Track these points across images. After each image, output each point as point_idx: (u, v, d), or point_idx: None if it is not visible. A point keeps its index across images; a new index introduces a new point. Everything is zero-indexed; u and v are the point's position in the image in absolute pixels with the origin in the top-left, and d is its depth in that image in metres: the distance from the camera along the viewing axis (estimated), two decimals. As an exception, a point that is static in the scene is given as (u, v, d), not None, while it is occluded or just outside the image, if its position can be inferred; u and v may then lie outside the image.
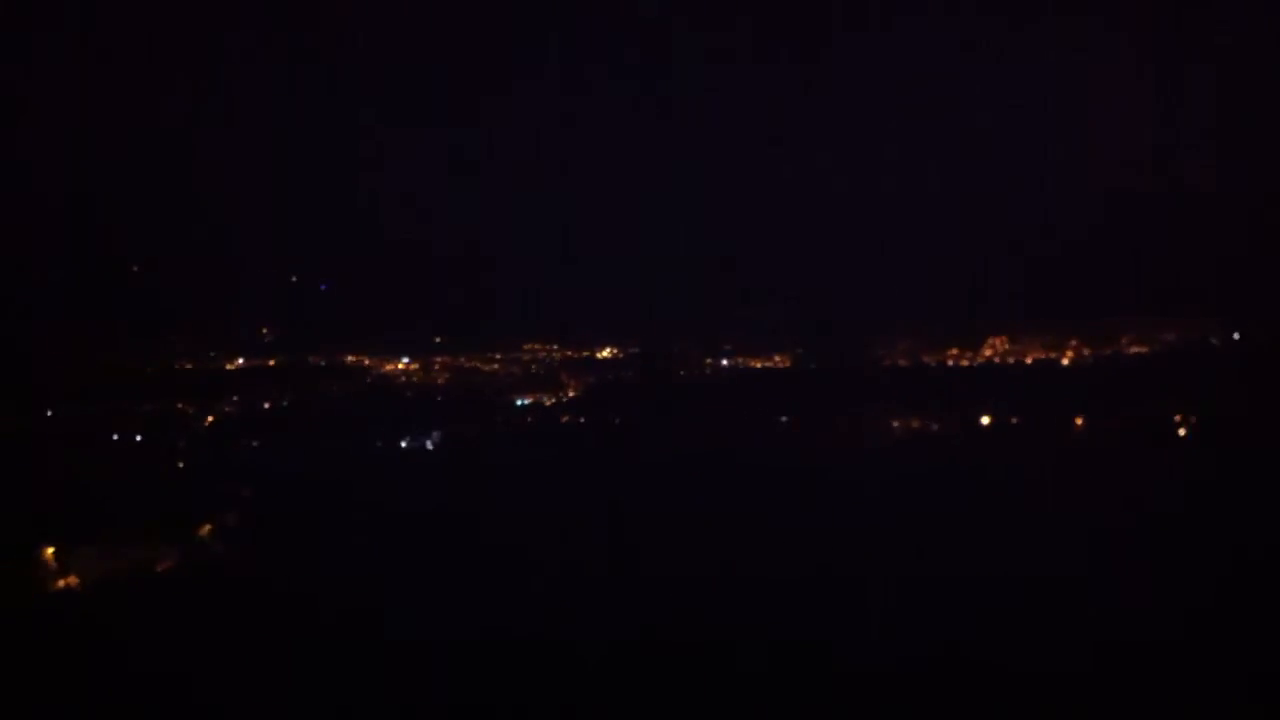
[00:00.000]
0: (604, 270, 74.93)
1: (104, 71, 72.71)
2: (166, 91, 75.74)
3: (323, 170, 78.04)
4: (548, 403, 70.45)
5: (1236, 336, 69.97)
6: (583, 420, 68.46)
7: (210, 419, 65.86)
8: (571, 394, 71.11)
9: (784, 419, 66.55)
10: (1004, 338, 72.01)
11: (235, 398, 67.75)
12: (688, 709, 32.51)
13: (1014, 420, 64.82)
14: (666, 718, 32.39)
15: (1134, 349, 71.20)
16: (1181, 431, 61.88)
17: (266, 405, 68.30)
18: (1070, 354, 71.40)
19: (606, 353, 74.56)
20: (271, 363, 72.12)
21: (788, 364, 72.87)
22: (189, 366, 70.42)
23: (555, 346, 74.51)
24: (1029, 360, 71.49)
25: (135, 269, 70.71)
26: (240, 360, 72.06)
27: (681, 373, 72.26)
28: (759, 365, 73.10)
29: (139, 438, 61.70)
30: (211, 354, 71.36)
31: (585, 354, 74.54)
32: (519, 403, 70.34)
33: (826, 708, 32.25)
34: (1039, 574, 40.58)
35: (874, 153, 79.40)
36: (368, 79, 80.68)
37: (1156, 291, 69.67)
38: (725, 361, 73.40)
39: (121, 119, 73.72)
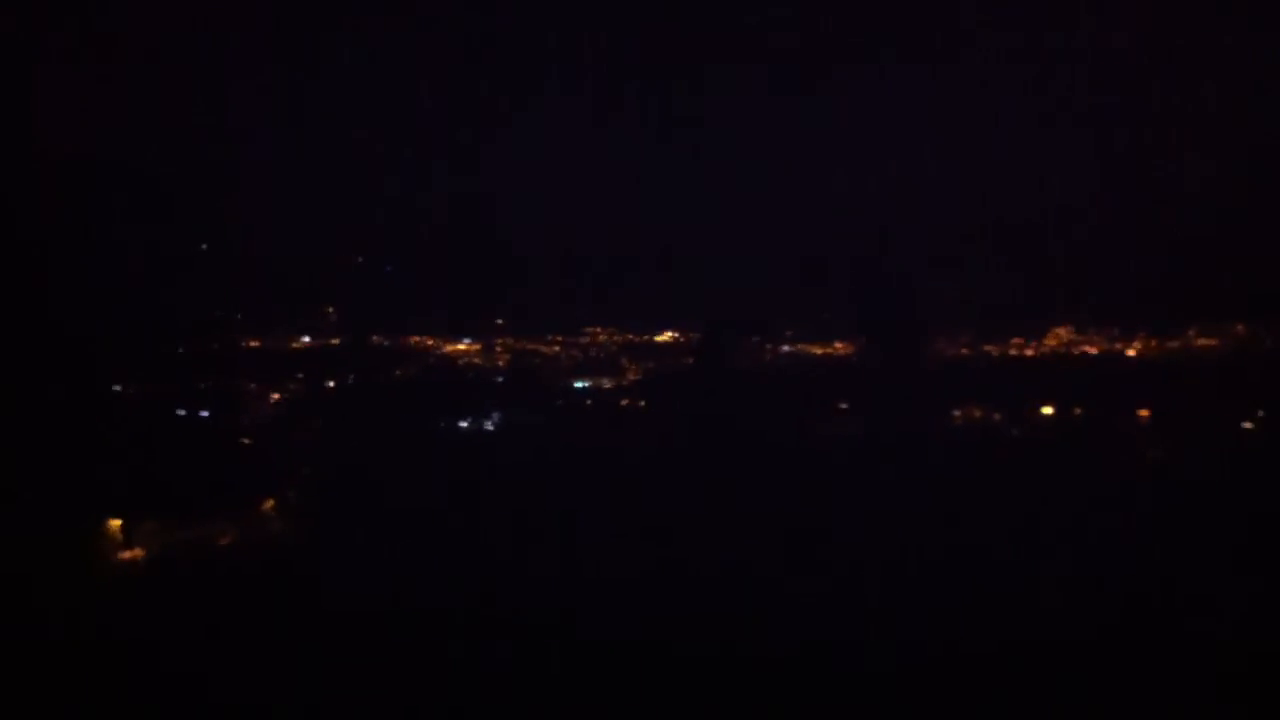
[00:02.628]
0: (666, 255, 74.60)
1: (171, 45, 73.24)
2: (238, 66, 76.21)
3: (391, 152, 78.28)
4: (607, 386, 70.60)
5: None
6: (642, 404, 68.72)
7: (276, 397, 66.61)
8: (631, 378, 71.20)
9: (844, 405, 66.46)
10: (1069, 327, 71.08)
11: (300, 376, 68.36)
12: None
13: (1077, 411, 64.22)
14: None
15: (1201, 342, 70.00)
16: (1248, 425, 61.02)
17: (331, 384, 68.90)
18: (1137, 346, 70.35)
19: (666, 337, 74.48)
20: (335, 342, 72.75)
21: (849, 351, 72.42)
22: (255, 345, 71.23)
23: (615, 330, 74.53)
24: (1094, 351, 70.53)
25: (204, 247, 71.53)
26: (305, 339, 72.75)
27: (742, 358, 72.04)
28: (820, 352, 72.74)
29: (205, 414, 62.53)
30: (277, 332, 72.13)
31: (645, 338, 74.49)
32: (578, 385, 70.57)
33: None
34: (1089, 569, 40.53)
35: (931, 144, 78.36)
36: (441, 67, 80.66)
37: (1226, 285, 68.29)
38: (786, 348, 73.09)
39: (190, 96, 74.41)
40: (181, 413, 61.79)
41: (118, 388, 61.50)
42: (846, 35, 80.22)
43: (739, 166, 78.50)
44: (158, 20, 72.43)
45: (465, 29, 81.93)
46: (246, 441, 61.99)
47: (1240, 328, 69.54)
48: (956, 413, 65.65)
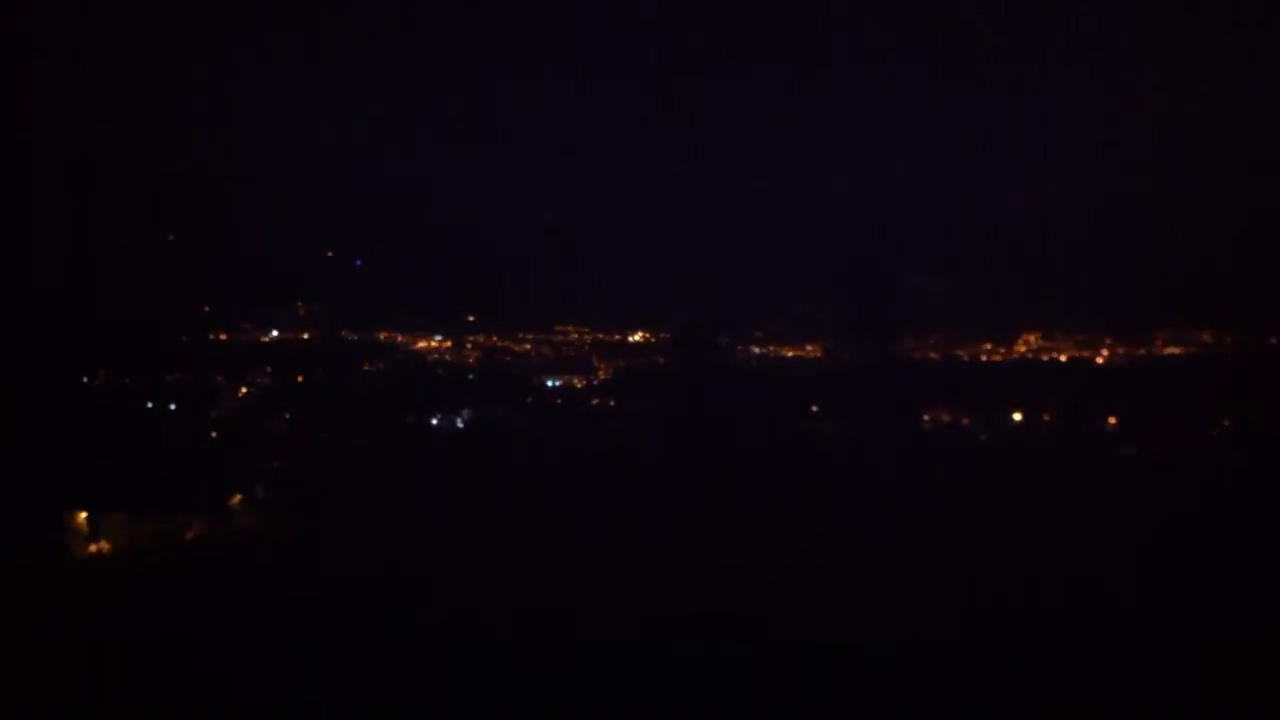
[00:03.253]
0: (638, 255, 74.66)
1: (133, 36, 72.62)
2: (202, 58, 75.77)
3: (361, 146, 77.96)
4: (578, 384, 70.56)
5: (1275, 341, 69.28)
6: (613, 403, 68.74)
7: (244, 391, 66.22)
8: (602, 376, 71.18)
9: (814, 408, 66.69)
10: (1038, 334, 71.55)
11: (269, 370, 67.97)
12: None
13: (1046, 417, 64.62)
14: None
15: (1169, 349, 70.61)
16: (1214, 433, 61.60)
17: (300, 379, 68.55)
18: (1105, 352, 70.88)
19: (638, 337, 74.51)
20: (305, 336, 72.38)
21: (819, 354, 72.66)
22: (223, 338, 70.80)
23: (587, 329, 74.49)
24: (1063, 358, 71.01)
25: (171, 238, 71.03)
26: (274, 333, 72.37)
27: (712, 358, 72.11)
28: (791, 354, 72.93)
29: (172, 407, 62.08)
30: (245, 326, 71.72)
31: (617, 337, 74.49)
32: (549, 383, 70.49)
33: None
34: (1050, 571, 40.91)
35: (903, 148, 78.71)
36: (409, 60, 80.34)
37: (1193, 293, 68.97)
38: (756, 349, 73.23)
39: (156, 88, 73.84)
40: (150, 405, 61.37)
41: (86, 379, 61.09)
42: (813, 35, 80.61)
43: (712, 167, 78.66)
44: (121, 11, 72.04)
45: (431, 23, 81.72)
46: (214, 435, 61.55)
47: (1206, 336, 70.26)
48: (926, 417, 65.91)
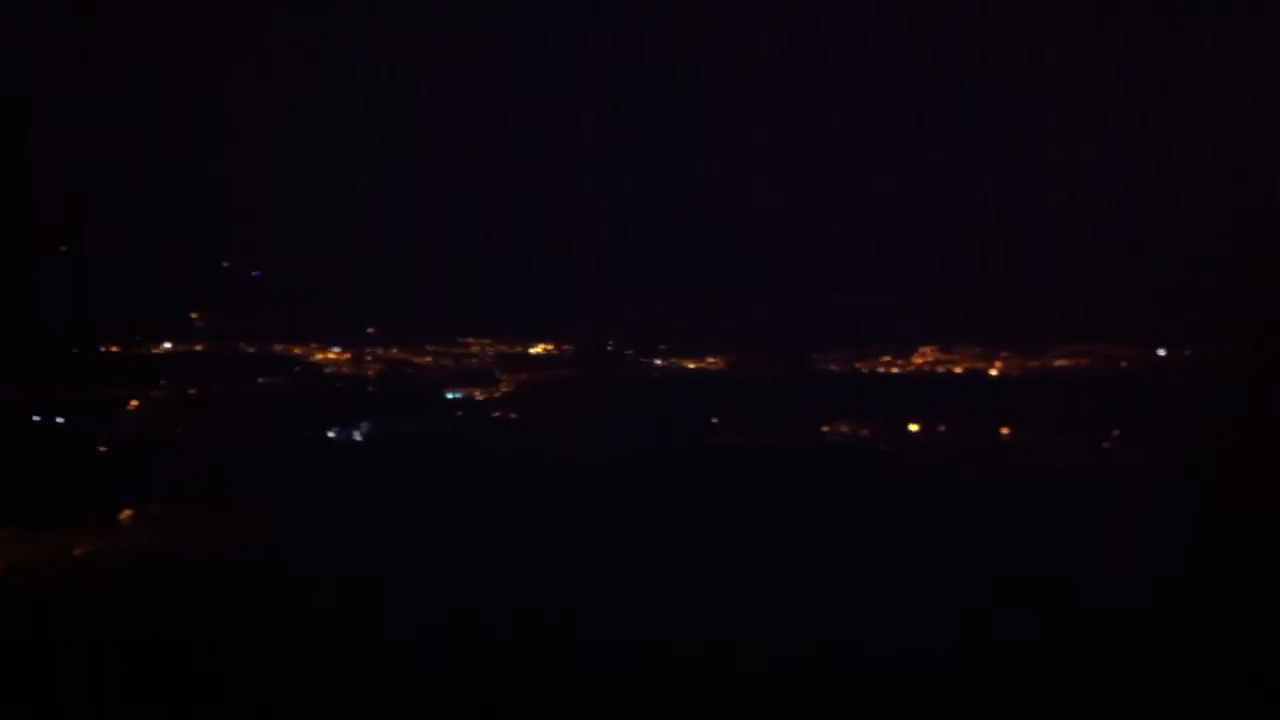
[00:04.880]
0: (542, 266, 74.61)
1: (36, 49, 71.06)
2: (97, 64, 74.23)
3: (260, 155, 76.91)
4: (479, 397, 70.14)
5: (1162, 353, 71.28)
6: (514, 416, 68.45)
7: (135, 403, 64.86)
8: (505, 390, 70.82)
9: (716, 420, 67.03)
10: (935, 347, 72.76)
11: (162, 382, 66.61)
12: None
13: (941, 428, 65.66)
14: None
15: (1060, 362, 72.22)
16: (1105, 445, 63.06)
17: (193, 391, 67.30)
18: (999, 365, 72.27)
19: (540, 349, 74.33)
20: (200, 348, 71.13)
21: (722, 366, 73.11)
22: (114, 350, 69.26)
23: (489, 341, 74.14)
24: (959, 370, 72.27)
25: (63, 249, 69.39)
26: (167, 345, 71.01)
27: (615, 371, 72.25)
28: (693, 366, 73.31)
29: (60, 420, 60.57)
30: (137, 338, 70.24)
31: (519, 350, 74.25)
32: (450, 396, 70.00)
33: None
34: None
35: (814, 161, 79.75)
36: (305, 68, 79.56)
37: (1088, 309, 70.81)
38: (659, 361, 73.47)
39: (51, 93, 72.21)
40: (37, 419, 59.86)
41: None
42: (722, 39, 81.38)
43: (620, 182, 78.99)
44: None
45: (346, 29, 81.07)
46: (104, 449, 60.13)
47: (1098, 349, 71.98)
48: (826, 428, 66.59)
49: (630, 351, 73.02)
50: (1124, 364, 71.20)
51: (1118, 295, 70.54)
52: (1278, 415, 58.17)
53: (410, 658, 34.98)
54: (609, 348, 72.82)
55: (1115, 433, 63.27)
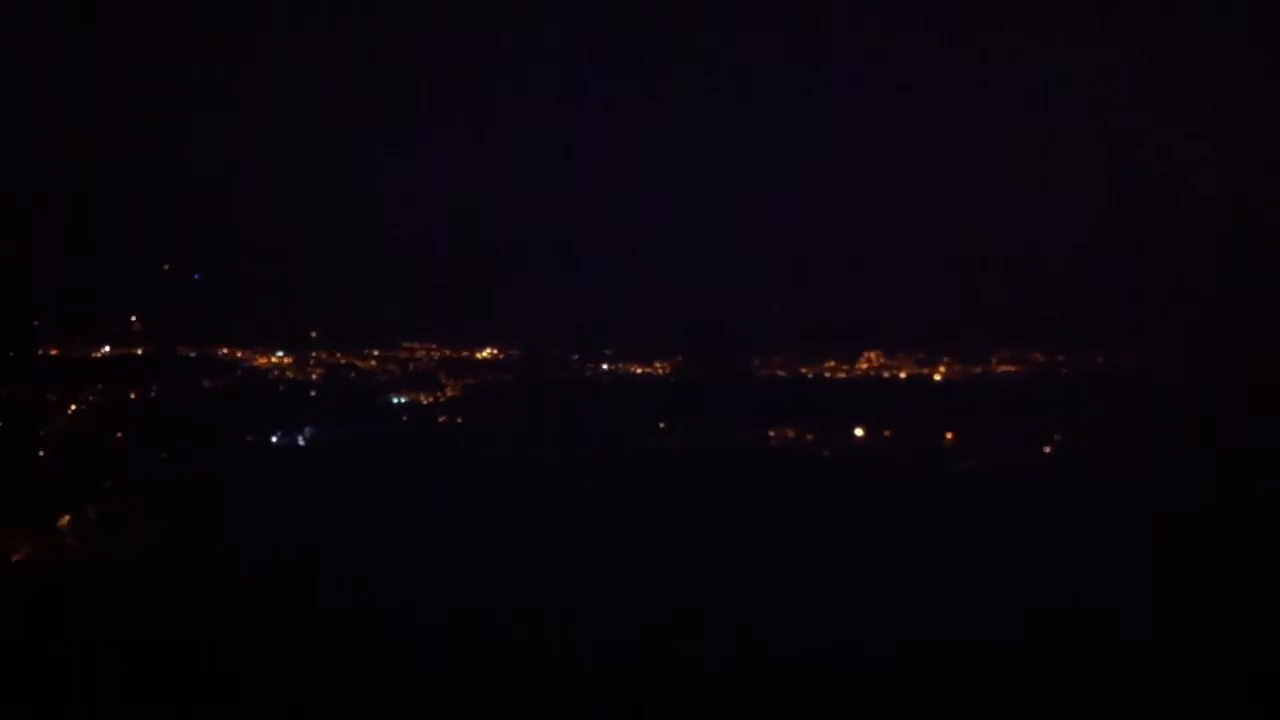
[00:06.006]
0: (488, 269, 74.39)
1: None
2: (35, 62, 73.23)
3: (199, 157, 76.12)
4: (425, 402, 69.75)
5: (1100, 359, 72.29)
6: (459, 420, 68.14)
7: (73, 407, 63.98)
8: (450, 394, 70.45)
9: (661, 425, 67.11)
10: (879, 352, 73.25)
11: (100, 386, 65.75)
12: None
13: (886, 433, 66.08)
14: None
15: (1002, 368, 72.96)
16: (1046, 449, 63.80)
17: (133, 395, 66.46)
18: (942, 370, 72.88)
19: (487, 353, 74.02)
20: (140, 352, 70.25)
21: (667, 371, 73.20)
22: (53, 353, 68.28)
23: (434, 345, 73.73)
24: (903, 375, 72.82)
25: (-1, 252, 68.31)
26: (107, 349, 70.10)
27: (561, 376, 72.11)
28: (639, 371, 73.31)
29: (-1, 424, 59.74)
30: (76, 340, 69.28)
31: (465, 354, 73.88)
32: (395, 401, 69.56)
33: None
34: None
35: (761, 163, 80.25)
36: (246, 69, 78.94)
37: (1031, 315, 71.71)
38: (605, 366, 73.40)
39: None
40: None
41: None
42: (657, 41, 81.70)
43: (564, 185, 78.99)
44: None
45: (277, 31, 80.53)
46: (42, 454, 59.23)
47: (1039, 355, 72.87)
48: (772, 433, 66.83)
49: (577, 356, 72.84)
50: (1064, 370, 72.05)
51: (1058, 302, 71.42)
52: (1213, 417, 59.22)
53: (349, 655, 35.00)
54: (555, 352, 72.63)
55: (1056, 436, 63.97)
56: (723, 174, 79.96)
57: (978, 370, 73.08)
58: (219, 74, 78.12)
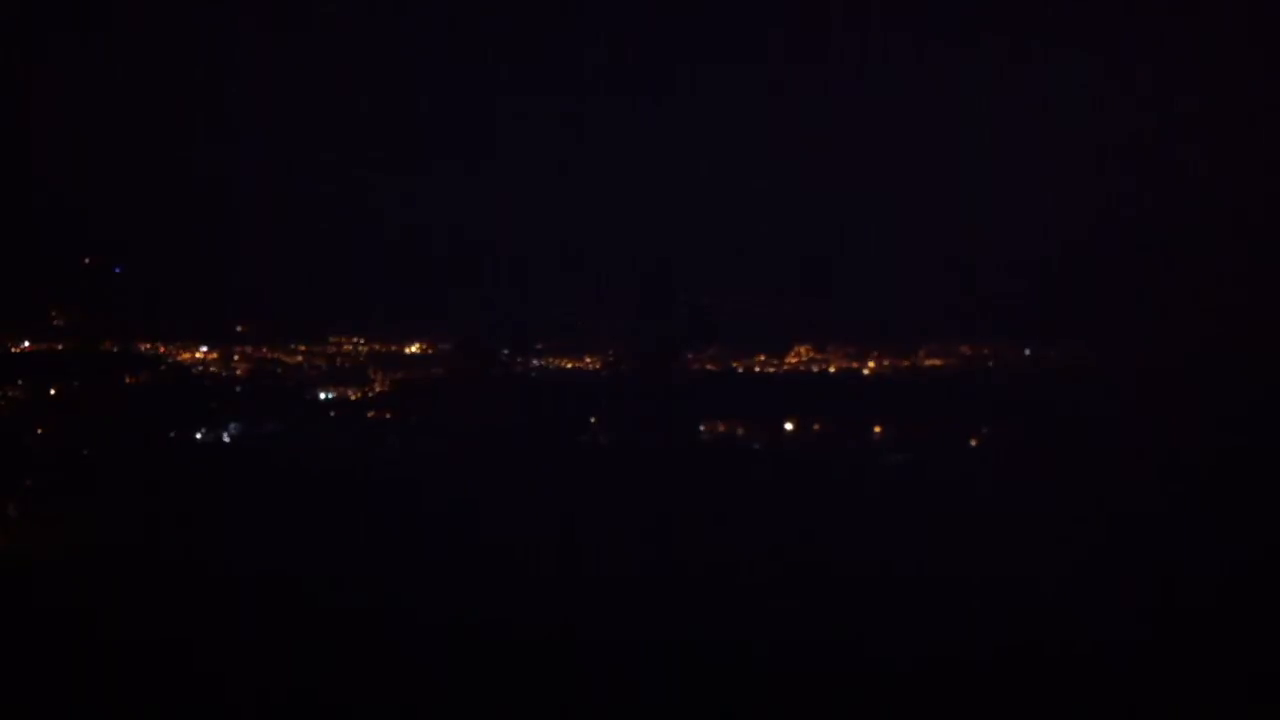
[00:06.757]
0: (415, 263, 73.88)
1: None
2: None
3: (123, 143, 74.83)
4: (353, 397, 69.23)
5: (1027, 353, 73.38)
6: (388, 416, 67.79)
7: (-9, 404, 63.16)
8: (379, 389, 69.95)
9: (593, 420, 67.24)
10: (809, 346, 73.80)
11: (20, 382, 64.70)
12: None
13: (816, 427, 66.74)
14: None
15: (930, 362, 73.85)
16: (973, 442, 64.80)
17: (53, 391, 65.44)
18: (871, 364, 73.62)
19: (415, 348, 73.51)
20: (60, 347, 69.10)
21: (599, 366, 73.24)
22: (-32, 348, 67.17)
23: (362, 340, 73.08)
24: (833, 369, 73.45)
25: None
26: (26, 344, 68.91)
27: (491, 370, 71.86)
28: (570, 366, 73.27)
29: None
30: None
31: (394, 348, 73.32)
32: (323, 396, 68.97)
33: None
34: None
35: (694, 157, 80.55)
36: (177, 56, 77.73)
37: (955, 308, 72.51)
38: (536, 361, 73.24)
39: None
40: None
41: None
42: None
43: (502, 177, 78.66)
44: None
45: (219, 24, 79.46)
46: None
47: (966, 349, 73.82)
48: (703, 427, 67.24)
49: (507, 351, 72.58)
50: (990, 363, 73.09)
51: (986, 296, 72.31)
52: (1143, 414, 60.31)
53: (275, 653, 34.65)
54: (485, 346, 72.33)
55: (983, 430, 64.97)
56: (670, 174, 79.97)
57: (905, 364, 73.90)
58: (132, 65, 76.63)
